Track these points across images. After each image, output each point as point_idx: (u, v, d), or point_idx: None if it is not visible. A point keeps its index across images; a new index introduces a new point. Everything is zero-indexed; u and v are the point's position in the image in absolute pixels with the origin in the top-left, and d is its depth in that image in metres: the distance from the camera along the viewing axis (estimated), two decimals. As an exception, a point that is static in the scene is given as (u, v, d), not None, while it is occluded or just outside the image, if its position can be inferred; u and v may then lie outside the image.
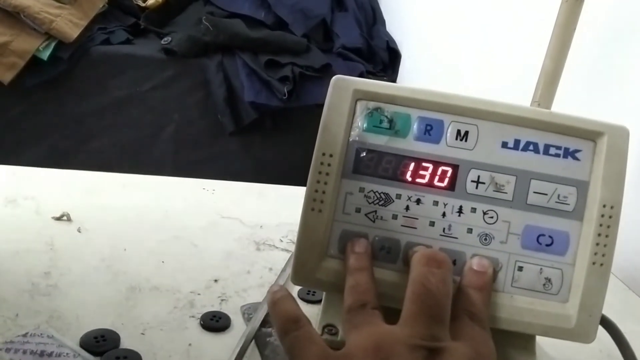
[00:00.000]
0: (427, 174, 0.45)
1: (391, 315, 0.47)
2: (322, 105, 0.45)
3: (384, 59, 1.97)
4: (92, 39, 1.80)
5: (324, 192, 0.45)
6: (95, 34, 1.81)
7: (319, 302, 0.54)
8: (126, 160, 1.83)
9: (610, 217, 0.43)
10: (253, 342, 0.49)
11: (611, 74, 0.84)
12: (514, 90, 1.12)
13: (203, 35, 1.82)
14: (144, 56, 1.81)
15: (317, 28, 1.98)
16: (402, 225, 0.45)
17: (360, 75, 1.85)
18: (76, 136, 1.82)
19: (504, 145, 0.45)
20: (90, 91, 1.80)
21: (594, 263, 0.43)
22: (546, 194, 0.44)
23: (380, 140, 0.45)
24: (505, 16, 1.27)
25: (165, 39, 1.82)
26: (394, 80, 1.96)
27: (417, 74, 1.87)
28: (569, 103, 0.82)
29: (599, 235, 0.43)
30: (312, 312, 0.54)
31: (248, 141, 1.87)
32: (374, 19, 2.15)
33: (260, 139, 1.87)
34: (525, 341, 0.48)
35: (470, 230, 0.45)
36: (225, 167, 1.86)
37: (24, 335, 0.45)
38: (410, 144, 0.45)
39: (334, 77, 0.45)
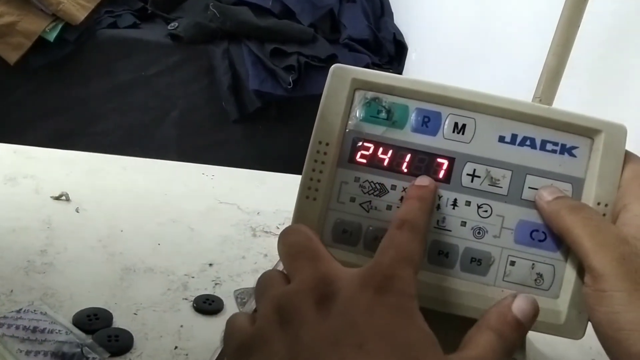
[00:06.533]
0: (423, 165, 0.45)
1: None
2: (327, 96, 0.45)
3: (390, 51, 1.97)
4: (99, 21, 1.80)
5: (319, 181, 0.45)
6: (102, 17, 1.81)
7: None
8: (129, 144, 1.83)
9: (604, 214, 0.43)
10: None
11: (615, 71, 0.83)
12: (517, 85, 1.12)
13: (210, 21, 1.82)
14: (151, 41, 1.81)
15: (324, 18, 1.98)
16: (396, 216, 0.45)
17: (366, 67, 1.84)
18: (80, 119, 1.83)
19: (501, 139, 0.45)
20: (96, 74, 1.80)
21: (585, 260, 0.43)
22: (541, 190, 0.44)
23: (377, 131, 0.45)
24: (511, 11, 1.26)
25: (172, 24, 1.82)
26: (400, 73, 1.95)
27: (422, 67, 1.87)
28: (571, 99, 0.82)
29: None
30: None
31: (252, 129, 1.87)
32: (381, 11, 2.15)
33: (264, 128, 1.87)
34: (515, 335, 0.48)
35: (464, 224, 0.45)
36: (228, 154, 1.86)
37: (18, 311, 0.46)
38: (407, 135, 0.45)
39: (333, 66, 0.45)
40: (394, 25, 2.08)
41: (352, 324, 0.29)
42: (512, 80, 1.18)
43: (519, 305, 0.36)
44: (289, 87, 1.72)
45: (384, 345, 0.28)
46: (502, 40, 1.30)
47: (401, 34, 2.01)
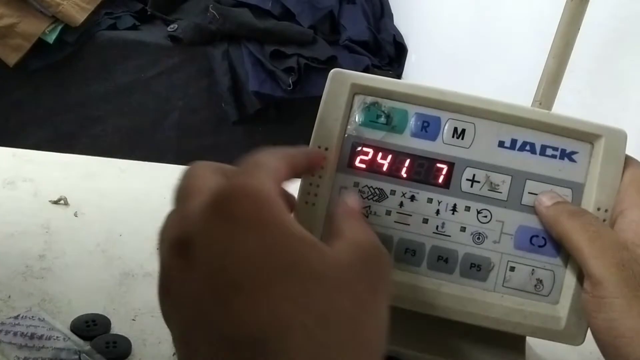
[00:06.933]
0: (422, 170, 0.45)
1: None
2: (324, 98, 0.45)
3: (390, 53, 1.97)
4: (98, 23, 1.80)
5: (318, 186, 0.44)
6: (101, 19, 1.81)
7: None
8: (129, 146, 1.83)
9: (604, 220, 0.43)
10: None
11: (614, 74, 0.83)
12: (517, 88, 1.12)
13: (209, 23, 1.82)
14: (150, 42, 1.81)
15: (324, 19, 1.98)
16: (395, 222, 0.45)
17: (366, 69, 1.84)
18: (80, 120, 1.83)
19: (501, 144, 0.44)
20: (95, 76, 1.80)
21: (585, 265, 0.42)
22: (541, 195, 0.44)
23: (376, 136, 0.45)
24: (511, 13, 1.26)
25: (172, 26, 1.82)
26: (400, 75, 1.95)
27: (422, 69, 1.87)
28: (571, 103, 0.82)
29: None
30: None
31: (251, 131, 1.87)
32: (381, 13, 2.15)
33: (264, 129, 1.87)
34: (515, 341, 0.48)
35: (463, 229, 0.44)
36: (228, 156, 1.82)
37: (15, 317, 0.46)
38: (406, 140, 0.45)
39: (332, 71, 0.45)
40: (394, 26, 2.08)
41: (220, 269, 0.25)
42: (512, 83, 1.18)
43: (351, 200, 0.39)
44: (289, 88, 1.72)
45: (265, 279, 0.25)
46: (502, 42, 1.30)
47: (401, 36, 2.01)
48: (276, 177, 0.31)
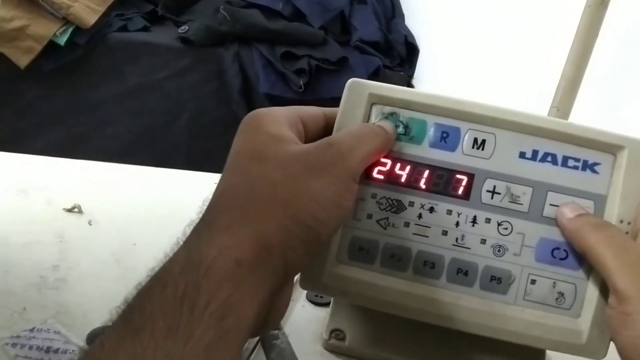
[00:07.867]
0: (442, 182, 0.44)
1: (403, 324, 0.46)
2: (337, 99, 0.44)
3: (401, 53, 1.96)
4: (109, 25, 1.80)
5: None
6: (112, 20, 1.81)
7: (327, 304, 0.54)
8: (140, 148, 1.83)
9: (627, 232, 0.42)
10: (259, 344, 0.49)
11: (633, 80, 0.82)
12: (532, 91, 1.10)
13: (220, 24, 1.81)
14: (161, 44, 1.81)
15: (335, 20, 1.97)
16: (414, 234, 0.44)
17: (377, 69, 1.83)
18: (91, 122, 1.83)
19: (522, 155, 0.44)
20: (106, 77, 1.80)
21: (609, 279, 0.42)
22: (563, 207, 0.43)
23: (394, 146, 0.44)
24: (526, 16, 1.25)
25: (182, 27, 1.82)
26: (411, 75, 1.94)
27: (434, 69, 1.86)
28: (588, 108, 0.81)
29: None
30: (320, 315, 0.53)
31: (262, 132, 1.86)
32: (392, 13, 2.14)
33: (274, 131, 1.86)
34: (535, 355, 0.47)
35: (483, 241, 0.44)
36: (238, 157, 1.85)
37: (31, 330, 0.45)
38: (425, 151, 0.44)
39: (349, 80, 0.45)
40: (405, 26, 2.07)
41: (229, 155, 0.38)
42: (527, 86, 1.17)
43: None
44: (300, 90, 1.72)
45: (236, 160, 0.37)
46: (517, 43, 1.28)
47: (413, 36, 2.00)
48: (300, 112, 0.41)
